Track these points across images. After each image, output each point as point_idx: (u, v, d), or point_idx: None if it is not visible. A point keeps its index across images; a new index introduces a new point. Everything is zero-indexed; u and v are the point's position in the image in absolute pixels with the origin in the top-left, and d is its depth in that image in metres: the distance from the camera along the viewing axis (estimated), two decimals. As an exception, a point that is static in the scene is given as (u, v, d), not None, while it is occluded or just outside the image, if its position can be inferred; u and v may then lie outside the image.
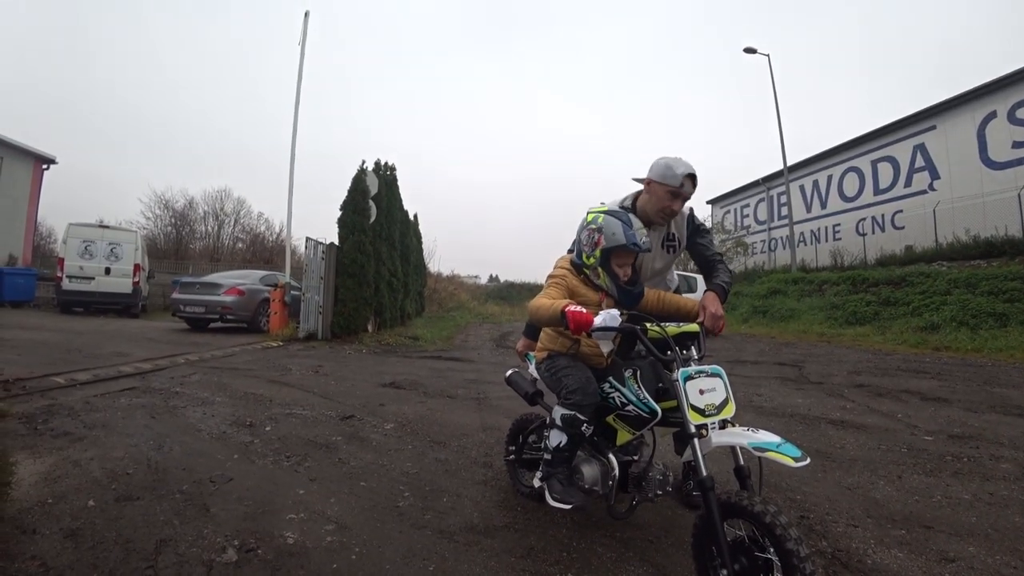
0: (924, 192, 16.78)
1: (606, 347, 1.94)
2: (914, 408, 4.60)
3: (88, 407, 3.96)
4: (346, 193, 10.63)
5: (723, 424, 1.65)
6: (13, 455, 2.70)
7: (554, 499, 1.86)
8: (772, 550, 1.38)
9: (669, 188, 2.09)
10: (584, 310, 1.69)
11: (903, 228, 17.16)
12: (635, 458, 1.99)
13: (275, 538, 1.97)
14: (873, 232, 18.35)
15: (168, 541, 1.93)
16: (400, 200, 13.17)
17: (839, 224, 20.05)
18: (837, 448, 3.43)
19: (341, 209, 10.65)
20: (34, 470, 2.55)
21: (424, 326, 13.50)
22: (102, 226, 14.18)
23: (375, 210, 11.08)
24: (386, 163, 12.28)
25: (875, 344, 9.90)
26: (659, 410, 1.72)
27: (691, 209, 2.31)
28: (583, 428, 1.86)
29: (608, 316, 1.68)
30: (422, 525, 2.15)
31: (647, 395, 1.74)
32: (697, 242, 2.29)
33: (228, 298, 10.86)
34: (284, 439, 3.36)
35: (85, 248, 13.49)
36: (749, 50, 18.19)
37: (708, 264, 2.23)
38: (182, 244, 29.96)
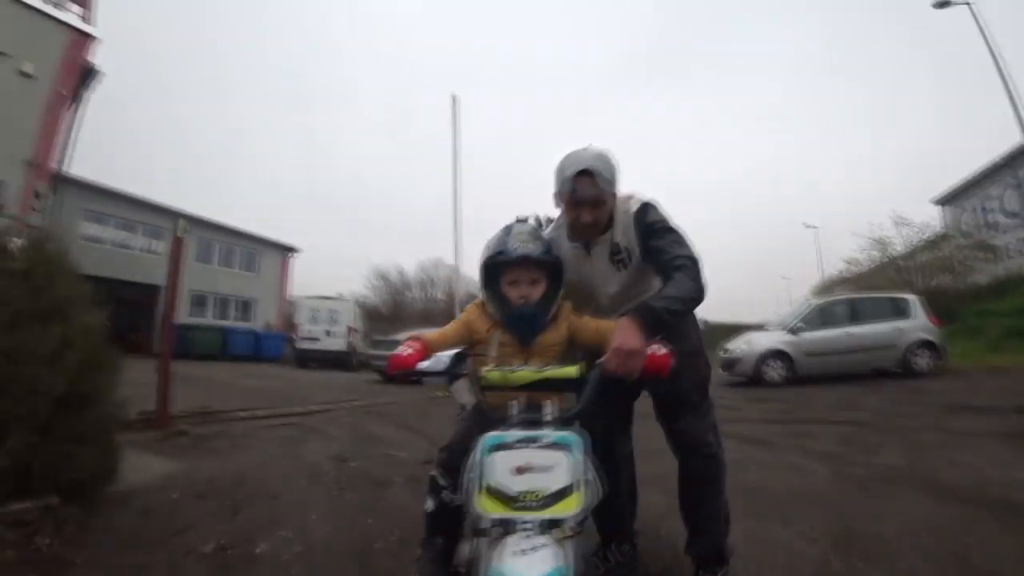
0: None
1: (461, 397, 1.65)
2: None
3: (244, 434, 4.99)
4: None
5: (551, 526, 1.11)
6: (155, 458, 3.59)
7: None
8: None
9: (566, 197, 1.74)
10: (410, 350, 1.48)
11: None
12: None
13: (252, 544, 2.28)
14: None
15: (188, 529, 2.41)
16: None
17: None
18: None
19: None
20: (159, 468, 3.40)
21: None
22: (324, 297, 18.10)
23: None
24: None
25: None
26: None
27: (642, 205, 1.82)
28: (444, 496, 1.53)
29: (436, 358, 1.49)
30: (380, 571, 2.16)
31: None
32: (651, 246, 1.77)
33: (407, 353, 12.53)
34: (357, 475, 3.73)
35: (312, 315, 17.18)
36: (942, 4, 14.37)
37: (663, 274, 1.73)
38: (400, 309, 35.51)
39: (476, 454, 1.21)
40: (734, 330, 13.50)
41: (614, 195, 1.76)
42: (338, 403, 7.92)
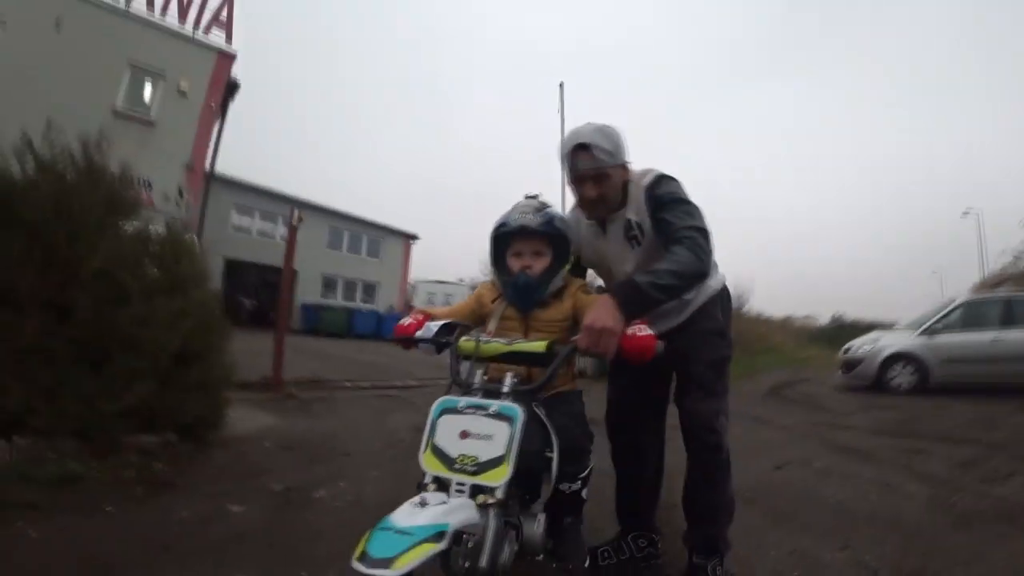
0: None
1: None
2: None
3: (343, 401, 5.61)
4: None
5: (477, 492, 1.18)
6: (262, 414, 4.22)
7: None
8: None
9: (568, 173, 1.73)
10: (412, 320, 1.63)
11: None
12: None
13: (314, 490, 2.66)
14: None
15: (268, 471, 2.86)
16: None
17: None
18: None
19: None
20: (262, 422, 4.00)
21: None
22: (440, 282, 19.27)
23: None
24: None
25: None
26: None
27: (655, 178, 1.73)
28: None
29: (427, 327, 1.58)
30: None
31: None
32: (659, 219, 1.67)
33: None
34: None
35: (429, 299, 18.44)
36: None
37: (666, 247, 1.61)
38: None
39: (430, 415, 1.30)
40: (869, 329, 12.10)
41: (622, 167, 1.73)
42: (439, 380, 8.48)
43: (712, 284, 1.88)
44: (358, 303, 23.69)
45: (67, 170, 2.98)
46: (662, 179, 1.73)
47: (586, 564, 1.72)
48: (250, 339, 5.65)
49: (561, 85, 12.43)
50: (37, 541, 1.88)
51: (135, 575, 1.73)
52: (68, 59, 11.22)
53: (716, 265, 1.90)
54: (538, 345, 1.46)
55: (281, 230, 20.46)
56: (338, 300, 23.08)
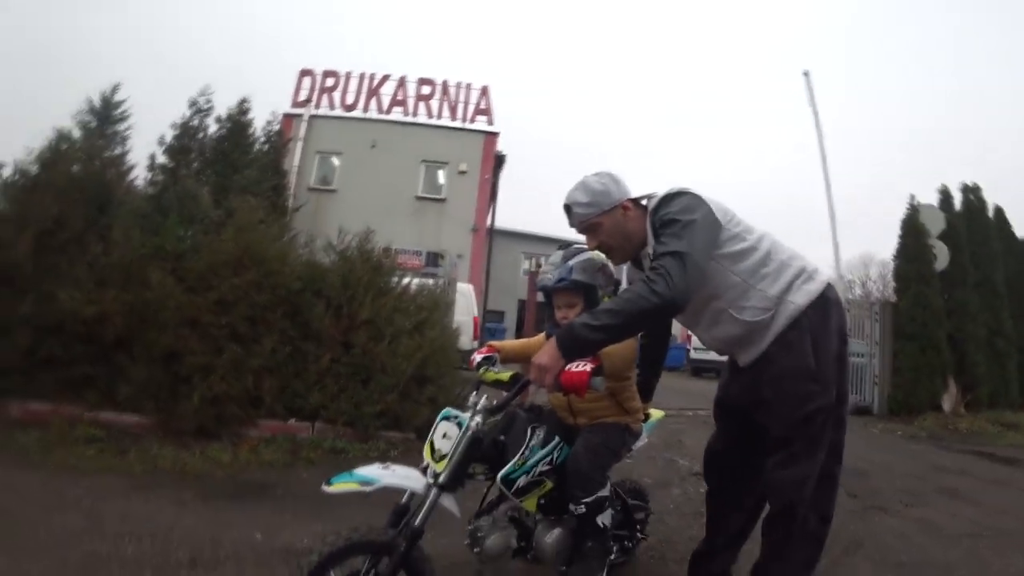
0: None
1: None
2: None
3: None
4: (897, 239, 9.70)
5: (435, 477, 1.59)
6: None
7: None
8: None
9: None
10: (481, 353, 2.05)
11: None
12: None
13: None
14: None
15: None
16: (1004, 228, 10.31)
17: None
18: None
19: (894, 259, 9.83)
20: None
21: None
22: None
23: (944, 252, 9.41)
24: (965, 185, 10.09)
25: None
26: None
27: (654, 205, 1.69)
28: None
29: (474, 358, 2.04)
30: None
31: None
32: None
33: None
34: (628, 474, 4.40)
35: (702, 326, 18.12)
36: None
37: None
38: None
39: (437, 419, 1.73)
40: None
41: (617, 210, 1.73)
42: (685, 410, 8.39)
43: (794, 300, 1.62)
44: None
45: (352, 255, 4.67)
46: (659, 205, 1.67)
47: None
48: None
49: (806, 74, 11.24)
50: (303, 479, 3.29)
51: (348, 508, 2.70)
52: (381, 166, 16.48)
53: (803, 274, 1.67)
54: (504, 375, 1.94)
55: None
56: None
